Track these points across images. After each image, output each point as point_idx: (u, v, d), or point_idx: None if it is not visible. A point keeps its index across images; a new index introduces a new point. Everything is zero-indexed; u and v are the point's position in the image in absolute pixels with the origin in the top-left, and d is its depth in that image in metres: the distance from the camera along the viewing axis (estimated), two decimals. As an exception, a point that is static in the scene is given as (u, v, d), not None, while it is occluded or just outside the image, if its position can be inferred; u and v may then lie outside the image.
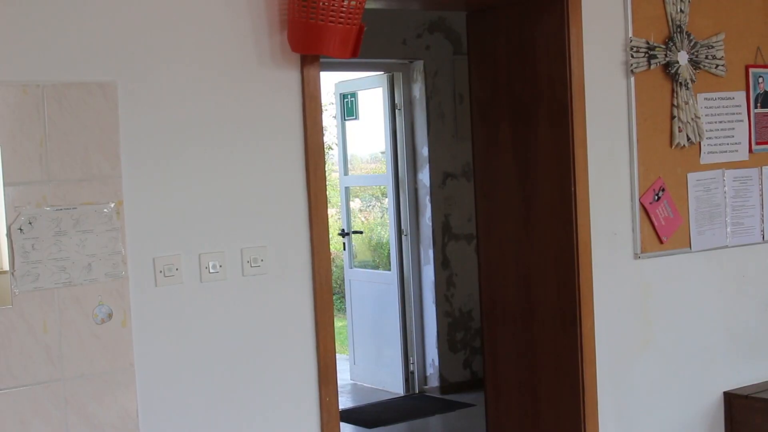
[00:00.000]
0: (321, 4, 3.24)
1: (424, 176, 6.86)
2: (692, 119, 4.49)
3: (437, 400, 6.81)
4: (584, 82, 4.17)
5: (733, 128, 4.69)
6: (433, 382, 6.98)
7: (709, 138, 4.59)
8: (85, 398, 3.10)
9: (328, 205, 3.89)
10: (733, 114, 4.69)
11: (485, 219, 4.58)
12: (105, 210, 3.13)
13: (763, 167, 4.80)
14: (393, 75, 6.92)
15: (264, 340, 3.45)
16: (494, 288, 4.53)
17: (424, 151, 6.85)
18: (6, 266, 3.00)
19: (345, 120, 7.48)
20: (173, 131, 3.27)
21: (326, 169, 3.58)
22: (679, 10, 4.44)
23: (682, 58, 4.45)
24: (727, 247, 4.69)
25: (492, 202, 4.52)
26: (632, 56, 4.31)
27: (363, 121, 7.43)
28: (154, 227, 3.24)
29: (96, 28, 3.12)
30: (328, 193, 3.75)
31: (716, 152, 4.62)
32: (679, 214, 4.49)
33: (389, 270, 7.20)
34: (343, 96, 7.44)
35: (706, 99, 4.58)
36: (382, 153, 7.44)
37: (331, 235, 4.88)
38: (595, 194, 4.22)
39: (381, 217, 10.98)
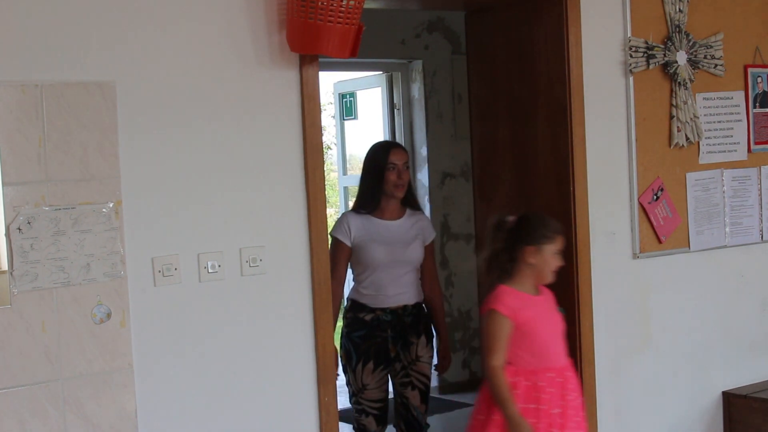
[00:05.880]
0: (320, 3, 3.24)
1: (423, 176, 6.84)
2: (691, 119, 4.49)
3: (436, 400, 6.78)
4: (583, 81, 4.17)
5: (732, 128, 4.69)
6: (432, 381, 6.95)
7: (708, 138, 4.59)
8: (83, 398, 3.09)
9: (327, 205, 3.88)
10: (732, 114, 4.69)
11: (484, 219, 4.56)
12: (104, 210, 3.12)
13: (762, 167, 4.80)
14: (392, 75, 6.91)
15: (262, 340, 3.45)
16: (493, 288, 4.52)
17: (422, 151, 6.83)
18: (5, 266, 2.99)
19: (344, 120, 7.47)
20: (172, 131, 3.26)
21: (325, 168, 3.57)
22: (677, 9, 4.44)
23: (681, 57, 4.45)
24: (725, 246, 4.69)
25: (491, 202, 4.52)
26: (631, 56, 4.31)
27: (362, 120, 7.41)
28: (152, 227, 3.23)
29: (95, 27, 3.12)
30: (326, 193, 3.74)
31: (715, 152, 4.62)
32: (678, 214, 4.49)
33: (388, 270, 7.16)
34: (342, 96, 7.43)
35: (704, 99, 4.57)
36: (381, 153, 7.42)
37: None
38: (593, 194, 4.21)
39: (380, 217, 10.92)
